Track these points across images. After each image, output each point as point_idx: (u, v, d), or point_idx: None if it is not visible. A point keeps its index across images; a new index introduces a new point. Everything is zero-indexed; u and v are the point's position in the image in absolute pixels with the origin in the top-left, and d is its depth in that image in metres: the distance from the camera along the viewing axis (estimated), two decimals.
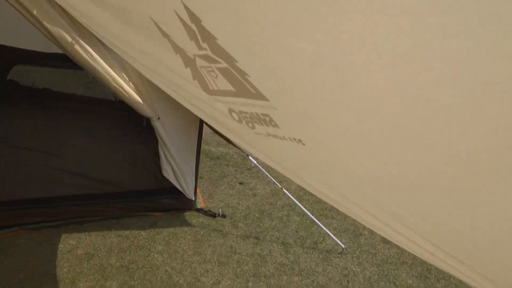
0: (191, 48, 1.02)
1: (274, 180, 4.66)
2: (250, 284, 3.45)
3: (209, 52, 0.95)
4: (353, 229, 4.71)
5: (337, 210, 5.03)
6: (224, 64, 0.94)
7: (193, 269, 3.49)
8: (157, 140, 3.69)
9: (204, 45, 0.94)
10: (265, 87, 0.89)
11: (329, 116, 0.82)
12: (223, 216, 4.40)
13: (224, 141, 4.97)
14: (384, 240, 4.65)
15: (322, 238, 4.36)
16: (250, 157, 4.32)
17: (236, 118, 1.23)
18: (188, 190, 4.26)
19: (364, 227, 4.76)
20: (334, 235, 4.28)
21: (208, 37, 0.87)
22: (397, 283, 3.88)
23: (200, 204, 4.52)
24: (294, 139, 0.99)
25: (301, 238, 4.31)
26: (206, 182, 5.23)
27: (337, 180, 1.10)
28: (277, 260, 3.85)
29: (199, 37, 0.92)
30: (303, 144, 0.98)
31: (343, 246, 4.19)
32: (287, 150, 1.11)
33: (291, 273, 3.69)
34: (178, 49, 1.19)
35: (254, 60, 0.84)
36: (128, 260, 3.46)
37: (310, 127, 0.90)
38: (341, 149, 0.91)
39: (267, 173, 4.79)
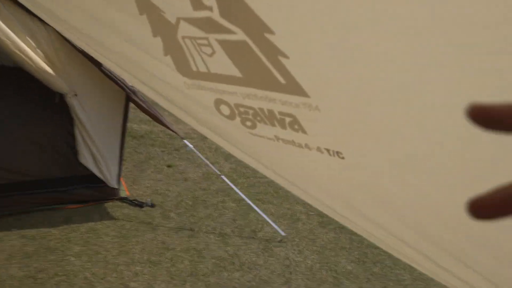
0: (177, 6, 0.77)
1: (207, 161, 4.23)
2: (187, 285, 3.06)
3: (215, 15, 0.71)
4: (290, 214, 4.54)
5: (273, 194, 4.82)
6: (241, 36, 0.70)
7: (119, 273, 2.99)
8: (72, 120, 3.03)
9: (211, 1, 0.69)
10: (311, 77, 0.68)
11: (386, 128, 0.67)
12: (152, 205, 3.90)
13: (147, 118, 4.37)
14: (321, 225, 4.57)
15: (260, 226, 4.11)
16: (185, 141, 3.83)
17: (226, 112, 0.97)
18: (110, 177, 3.67)
19: (301, 212, 4.62)
20: (272, 221, 4.05)
21: None
22: (338, 271, 3.80)
23: (124, 192, 3.95)
24: (328, 150, 0.80)
25: (239, 227, 4.01)
26: (130, 165, 4.63)
27: (368, 205, 0.91)
28: (216, 254, 3.51)
29: None
30: (342, 157, 0.79)
31: (282, 233, 3.99)
32: (307, 162, 0.91)
33: (231, 269, 3.38)
34: (147, 6, 0.76)
35: (309, 35, 0.60)
36: (35, 268, 2.83)
37: (361, 137, 0.73)
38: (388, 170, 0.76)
39: (199, 154, 4.32)
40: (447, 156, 0.63)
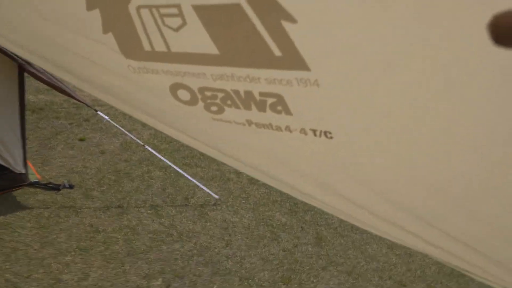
0: None
1: (123, 129, 3.89)
2: (126, 266, 2.89)
3: None
4: (220, 175, 4.48)
5: (200, 157, 4.68)
6: None
7: (47, 268, 2.69)
8: None
9: None
10: (319, 46, 0.61)
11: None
12: (70, 186, 3.53)
13: (45, 86, 3.81)
14: (251, 182, 4.60)
15: (192, 192, 4.00)
16: (98, 111, 3.44)
17: (186, 98, 0.85)
18: (14, 162, 3.21)
19: (230, 171, 4.58)
20: (203, 185, 3.96)
21: None
22: (274, 225, 3.90)
23: (34, 176, 3.50)
24: (314, 130, 0.75)
25: (170, 196, 3.85)
26: (35, 144, 4.08)
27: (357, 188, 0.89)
28: (151, 228, 3.34)
29: None
30: (330, 137, 0.75)
31: (215, 196, 3.94)
32: (283, 147, 0.85)
33: (170, 241, 3.27)
34: None
35: None
36: None
37: (359, 114, 0.70)
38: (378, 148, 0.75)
39: (114, 123, 3.93)
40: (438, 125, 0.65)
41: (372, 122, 0.71)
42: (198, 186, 3.93)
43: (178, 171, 3.90)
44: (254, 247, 3.50)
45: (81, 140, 4.40)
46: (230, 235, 3.57)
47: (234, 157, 1.08)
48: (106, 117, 3.65)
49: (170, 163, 3.88)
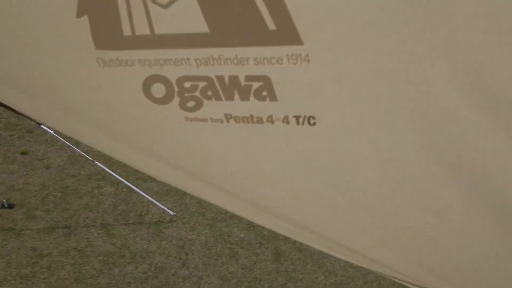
0: None
1: (69, 143, 3.65)
2: None
3: None
4: (175, 189, 4.32)
5: None
6: None
7: None
8: None
9: None
10: (315, 17, 0.63)
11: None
12: (10, 206, 3.26)
13: None
14: None
15: (146, 208, 3.83)
16: (43, 126, 3.19)
17: (160, 94, 0.82)
18: None
19: None
20: (157, 201, 3.80)
21: None
22: (232, 241, 3.82)
23: None
24: (297, 117, 0.77)
25: (123, 213, 3.66)
26: None
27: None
28: (101, 249, 3.14)
29: None
30: (313, 123, 0.76)
31: (171, 212, 3.79)
32: (261, 143, 0.85)
33: (122, 263, 3.08)
34: None
35: None
36: None
37: (347, 95, 0.71)
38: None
39: (59, 137, 3.69)
40: None
41: (359, 104, 0.72)
42: (152, 202, 3.77)
43: (130, 186, 3.72)
44: (212, 265, 3.40)
45: (23, 153, 4.08)
46: (187, 254, 3.44)
47: (200, 176, 1.03)
48: (51, 131, 3.40)
49: (121, 178, 3.69)
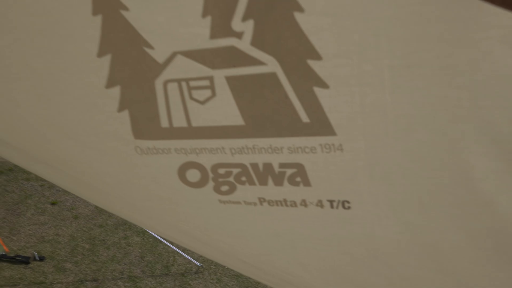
0: (184, 36, 0.66)
1: None
2: None
3: (243, 43, 0.63)
4: None
5: None
6: (271, 67, 0.65)
7: None
8: None
9: (243, 26, 0.61)
10: (347, 110, 0.65)
11: None
12: (41, 259, 3.28)
13: None
14: None
15: (172, 259, 3.80)
16: None
17: (195, 179, 0.84)
18: None
19: None
20: (183, 251, 3.78)
21: (272, 6, 0.59)
22: None
23: (1, 248, 3.22)
24: (331, 201, 0.77)
25: (149, 265, 3.64)
26: (1, 210, 3.82)
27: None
28: None
29: (241, 9, 0.60)
30: (347, 207, 0.76)
31: (197, 264, 3.75)
32: (293, 225, 0.85)
33: None
34: (121, 42, 0.70)
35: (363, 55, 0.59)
36: None
37: (378, 180, 0.72)
38: None
39: None
40: None
41: (391, 190, 0.72)
42: (178, 252, 3.75)
43: (156, 236, 3.72)
44: None
45: (53, 203, 4.16)
46: None
47: (231, 253, 1.03)
48: None
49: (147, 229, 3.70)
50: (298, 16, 0.58)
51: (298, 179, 0.77)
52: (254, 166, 0.78)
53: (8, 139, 1.00)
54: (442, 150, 0.63)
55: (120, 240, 3.85)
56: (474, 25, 0.52)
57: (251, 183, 0.81)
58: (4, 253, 3.19)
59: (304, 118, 0.69)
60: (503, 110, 0.56)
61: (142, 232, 3.98)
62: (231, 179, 0.82)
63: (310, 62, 0.62)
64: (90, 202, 1.10)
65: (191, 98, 0.74)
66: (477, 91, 0.57)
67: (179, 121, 0.78)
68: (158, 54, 0.69)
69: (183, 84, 0.72)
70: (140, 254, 3.74)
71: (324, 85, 0.64)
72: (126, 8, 0.65)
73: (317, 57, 0.61)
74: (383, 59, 0.59)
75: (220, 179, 0.83)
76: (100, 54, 0.72)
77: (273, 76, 0.66)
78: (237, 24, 0.62)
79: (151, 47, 0.69)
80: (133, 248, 3.79)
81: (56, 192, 4.40)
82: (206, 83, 0.71)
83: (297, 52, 0.62)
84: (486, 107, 0.57)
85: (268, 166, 0.77)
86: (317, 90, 0.65)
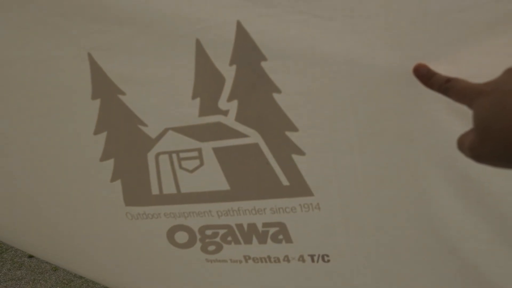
0: (175, 114, 0.75)
1: None
2: None
3: (228, 119, 0.72)
4: None
5: None
6: (253, 139, 0.73)
7: None
8: None
9: (228, 105, 0.71)
10: (322, 172, 0.73)
11: None
12: None
13: None
14: None
15: None
16: None
17: (183, 240, 0.90)
18: None
19: None
20: None
21: (254, 88, 0.68)
22: None
23: None
24: (312, 256, 0.83)
25: None
26: None
27: None
28: None
29: (227, 91, 0.70)
30: (327, 261, 0.82)
31: None
32: (286, 278, 0.89)
33: None
34: (116, 121, 0.77)
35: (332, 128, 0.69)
36: None
37: (355, 233, 0.78)
38: None
39: None
40: None
41: (366, 242, 0.79)
42: None
43: None
44: None
45: (30, 256, 4.03)
46: None
47: None
48: None
49: None
50: (276, 96, 0.68)
51: (280, 236, 0.83)
52: (239, 226, 0.85)
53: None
54: (408, 204, 0.71)
55: None
56: (423, 99, 0.62)
57: (237, 242, 0.87)
58: None
59: (284, 181, 0.76)
60: (456, 170, 0.66)
61: None
62: (217, 239, 0.88)
63: (288, 134, 0.71)
64: (78, 273, 1.13)
65: (181, 167, 0.80)
66: (432, 153, 0.66)
67: (169, 188, 0.84)
68: (151, 130, 0.77)
69: (174, 155, 0.79)
70: None
71: (301, 152, 0.72)
72: (123, 93, 0.73)
73: (294, 129, 0.70)
74: (350, 129, 0.68)
75: (207, 240, 0.89)
76: (97, 132, 0.79)
77: (255, 146, 0.74)
78: (223, 104, 0.71)
79: (145, 125, 0.76)
80: None
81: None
82: (195, 154, 0.78)
83: (276, 126, 0.71)
84: (443, 166, 0.67)
85: (252, 226, 0.84)
86: (295, 157, 0.73)
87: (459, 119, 0.60)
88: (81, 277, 3.86)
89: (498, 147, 0.39)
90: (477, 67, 0.53)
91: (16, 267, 3.81)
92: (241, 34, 0.63)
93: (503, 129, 0.38)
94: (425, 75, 0.57)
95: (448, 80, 0.52)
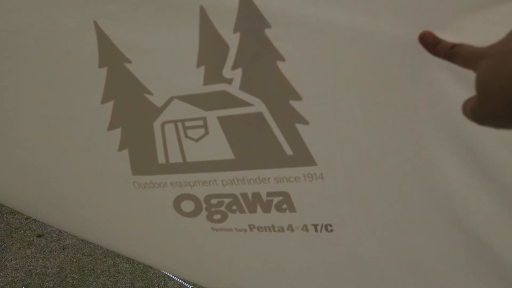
0: (180, 83, 0.75)
1: None
2: None
3: (233, 88, 0.73)
4: None
5: None
6: (257, 107, 0.74)
7: None
8: None
9: (233, 73, 0.71)
10: (326, 141, 0.73)
11: None
12: None
13: None
14: None
15: (163, 283, 3.79)
16: None
17: (189, 209, 0.90)
18: None
19: None
20: (174, 275, 3.78)
21: (258, 57, 0.69)
22: None
23: None
24: (315, 225, 0.84)
25: None
26: None
27: None
28: None
29: (231, 59, 0.70)
30: (330, 230, 0.83)
31: (189, 286, 3.76)
32: (281, 250, 0.90)
33: None
34: (123, 89, 0.75)
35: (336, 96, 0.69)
36: None
37: (359, 203, 0.78)
38: None
39: None
40: None
41: (369, 212, 0.79)
42: (168, 275, 3.75)
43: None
44: None
45: (40, 236, 4.11)
46: None
47: (224, 279, 1.09)
48: None
49: None
50: (280, 64, 0.68)
51: (284, 206, 0.84)
52: (244, 195, 0.86)
53: (11, 181, 1.06)
54: (412, 176, 0.71)
55: (110, 268, 3.83)
56: (428, 68, 0.62)
57: (242, 211, 0.88)
58: None
59: (288, 151, 0.76)
60: (460, 141, 0.66)
61: (132, 259, 3.96)
62: (223, 208, 0.90)
63: (292, 102, 0.71)
64: (88, 240, 1.16)
65: (186, 136, 0.81)
66: (436, 124, 0.67)
67: (175, 157, 0.84)
68: (157, 99, 0.77)
69: (179, 124, 0.81)
70: (130, 280, 3.72)
71: (305, 121, 0.72)
72: (129, 61, 0.74)
73: (298, 97, 0.71)
74: (354, 98, 0.69)
75: (213, 209, 0.91)
76: (104, 101, 0.80)
77: (259, 115, 0.75)
78: (227, 72, 0.71)
79: (151, 93, 0.77)
80: (123, 275, 3.77)
81: (42, 224, 4.35)
82: (200, 123, 0.80)
83: (280, 94, 0.71)
84: (447, 137, 0.67)
85: (256, 195, 0.85)
86: (299, 126, 0.73)
87: (464, 88, 0.59)
88: (89, 255, 3.95)
89: (498, 106, 0.40)
90: (482, 35, 0.51)
91: (25, 246, 3.89)
92: (245, 1, 0.63)
93: (502, 87, 0.39)
94: (430, 43, 0.56)
95: (454, 46, 0.52)
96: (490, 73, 0.42)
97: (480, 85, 0.43)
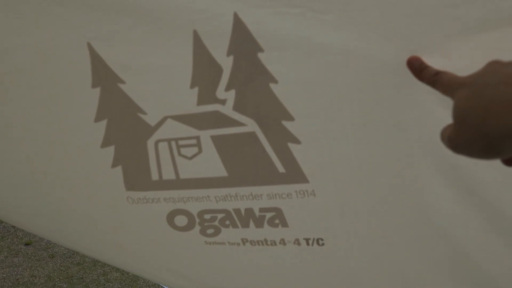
0: (174, 103, 0.76)
1: None
2: None
3: (226, 108, 0.74)
4: None
5: None
6: (250, 127, 0.74)
7: None
8: None
9: (226, 95, 0.72)
10: (317, 160, 0.74)
11: None
12: None
13: None
14: None
15: None
16: None
17: (182, 223, 0.91)
18: None
19: None
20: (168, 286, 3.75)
21: (251, 79, 0.69)
22: None
23: None
24: (307, 239, 0.85)
25: None
26: None
27: None
28: None
29: (224, 81, 0.70)
30: (322, 244, 0.84)
31: None
32: (273, 262, 0.92)
33: None
34: (117, 109, 0.78)
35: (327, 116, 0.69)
36: None
37: (350, 219, 0.79)
38: None
39: None
40: None
41: (359, 227, 0.81)
42: (157, 284, 3.72)
43: None
44: None
45: (27, 244, 4.06)
46: None
47: None
48: None
49: None
50: (273, 86, 0.69)
51: (276, 221, 0.85)
52: (237, 211, 0.86)
53: (4, 195, 1.05)
54: (401, 191, 0.73)
55: (99, 277, 3.79)
56: (417, 90, 0.64)
57: (234, 226, 0.88)
58: None
59: (281, 169, 0.77)
60: (447, 159, 0.67)
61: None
62: (216, 223, 0.90)
63: (285, 123, 0.72)
64: (83, 253, 1.16)
65: (180, 154, 0.82)
66: (424, 142, 0.68)
67: (168, 174, 0.85)
68: (150, 118, 0.78)
69: (173, 143, 0.80)
70: None
71: (297, 141, 0.73)
72: (122, 81, 0.74)
73: (290, 118, 0.71)
74: (345, 118, 0.70)
75: (206, 224, 0.90)
76: (97, 119, 0.80)
77: (252, 134, 0.75)
78: (221, 93, 0.72)
79: (144, 113, 0.77)
80: (113, 284, 3.73)
81: (30, 232, 4.29)
82: (193, 141, 0.79)
83: (273, 115, 0.72)
84: (434, 155, 0.68)
85: (249, 211, 0.85)
86: (291, 145, 0.74)
87: (450, 110, 0.62)
88: (78, 264, 3.90)
89: (473, 137, 0.40)
90: (468, 61, 0.53)
91: (13, 255, 3.83)
92: (238, 25, 0.63)
93: (477, 118, 0.40)
94: (417, 68, 0.58)
95: (437, 73, 0.53)
96: (466, 102, 0.42)
97: (457, 113, 0.44)
